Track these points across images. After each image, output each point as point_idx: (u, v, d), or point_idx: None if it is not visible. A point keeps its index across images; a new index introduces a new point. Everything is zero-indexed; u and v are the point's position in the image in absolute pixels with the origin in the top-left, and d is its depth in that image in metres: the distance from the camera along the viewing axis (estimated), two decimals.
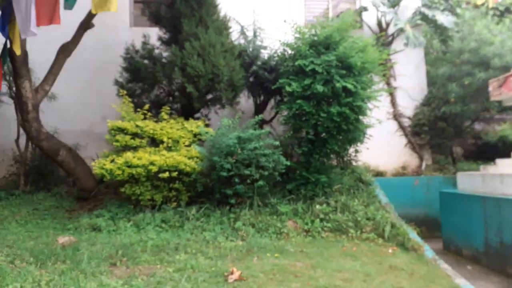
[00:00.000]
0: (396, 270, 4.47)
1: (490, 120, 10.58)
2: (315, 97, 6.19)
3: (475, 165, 8.92)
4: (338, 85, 5.90)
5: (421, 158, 9.25)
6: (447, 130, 8.81)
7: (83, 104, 8.80)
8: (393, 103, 9.34)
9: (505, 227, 5.57)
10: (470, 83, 7.78)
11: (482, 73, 7.58)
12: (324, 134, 6.49)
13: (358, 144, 7.55)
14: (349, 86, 5.89)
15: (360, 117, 6.66)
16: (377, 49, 7.04)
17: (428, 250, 5.08)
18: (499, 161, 6.73)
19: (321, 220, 5.95)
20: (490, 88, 6.81)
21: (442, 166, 8.97)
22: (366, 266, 4.57)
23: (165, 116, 6.87)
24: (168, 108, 7.05)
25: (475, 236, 6.31)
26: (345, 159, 8.01)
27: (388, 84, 9.34)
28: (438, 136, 9.02)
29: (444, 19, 8.46)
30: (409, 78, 9.37)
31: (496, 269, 5.77)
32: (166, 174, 5.96)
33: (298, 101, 6.18)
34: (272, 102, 8.30)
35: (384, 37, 8.98)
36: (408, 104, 9.41)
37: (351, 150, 7.69)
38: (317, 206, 6.14)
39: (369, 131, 8.71)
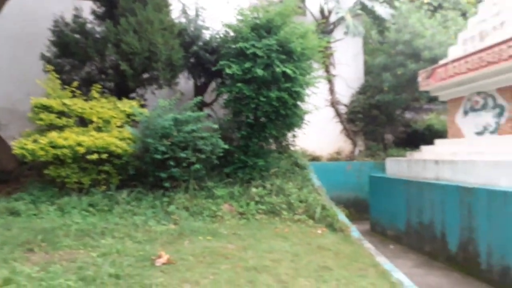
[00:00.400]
0: (323, 250, 4.65)
1: (419, 110, 11.31)
2: (255, 81, 6.17)
3: (403, 152, 9.52)
4: (278, 69, 5.92)
5: (354, 144, 9.69)
6: (379, 118, 9.29)
7: (5, 79, 8.03)
8: (331, 90, 9.64)
9: (424, 208, 6.02)
10: (403, 74, 8.22)
11: (414, 64, 8.02)
12: (263, 119, 6.51)
13: (296, 129, 7.71)
14: (289, 71, 5.93)
15: (299, 103, 6.77)
16: (318, 36, 7.15)
17: (354, 231, 5.34)
18: (423, 147, 7.22)
19: (257, 203, 6.02)
20: (420, 79, 7.23)
21: (373, 152, 9.46)
22: (296, 246, 4.70)
23: (96, 95, 6.47)
24: (100, 86, 6.64)
25: (399, 217, 6.75)
26: (283, 143, 8.16)
27: (328, 71, 9.60)
28: (372, 123, 9.48)
29: (382, 10, 8.81)
30: (348, 66, 9.71)
31: (415, 247, 6.24)
32: (95, 156, 5.66)
33: (239, 84, 6.13)
34: (213, 85, 8.18)
35: (325, 25, 9.17)
36: (345, 92, 9.76)
37: (289, 135, 7.84)
38: (253, 189, 6.20)
39: (307, 117, 8.90)
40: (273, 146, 7.89)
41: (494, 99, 5.91)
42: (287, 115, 6.44)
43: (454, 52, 6.63)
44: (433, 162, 6.19)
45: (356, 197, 8.89)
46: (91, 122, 6.11)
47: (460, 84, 6.34)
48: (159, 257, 4.02)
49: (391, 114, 9.30)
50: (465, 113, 6.53)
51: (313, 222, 5.61)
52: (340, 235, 5.24)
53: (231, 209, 6.02)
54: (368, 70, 9.73)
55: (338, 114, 9.65)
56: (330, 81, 9.60)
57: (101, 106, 6.32)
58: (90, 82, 6.87)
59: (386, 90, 8.65)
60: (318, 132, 9.62)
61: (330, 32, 9.42)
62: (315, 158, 9.31)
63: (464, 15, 9.89)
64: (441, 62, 6.66)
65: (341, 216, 5.79)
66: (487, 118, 6.01)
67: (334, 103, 9.63)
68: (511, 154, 4.94)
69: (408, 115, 10.90)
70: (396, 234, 6.89)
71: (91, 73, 7.32)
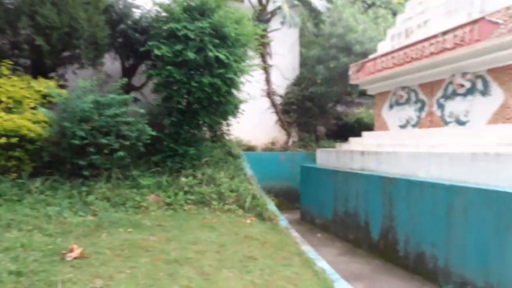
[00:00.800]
0: (250, 239, 4.58)
1: (350, 103, 11.77)
2: (186, 64, 5.89)
3: (334, 143, 9.81)
4: (210, 54, 5.69)
5: (288, 135, 9.80)
6: (313, 110, 9.47)
7: None
8: (267, 80, 9.61)
9: (350, 198, 6.22)
10: (335, 67, 8.42)
11: (346, 58, 8.24)
12: (195, 105, 6.26)
13: (231, 118, 7.57)
14: (222, 56, 5.74)
15: (233, 90, 6.62)
16: (254, 23, 7.03)
17: (283, 220, 5.36)
18: (351, 139, 7.46)
19: (186, 192, 5.80)
20: (350, 72, 7.44)
21: (306, 143, 9.64)
22: (223, 237, 4.58)
23: (6, 72, 5.76)
24: (11, 63, 5.92)
25: (326, 206, 6.93)
26: (218, 132, 7.99)
27: (264, 61, 9.55)
28: (305, 115, 9.64)
29: (318, 2, 8.92)
30: (284, 57, 9.74)
31: (341, 236, 6.44)
32: (3, 140, 5.05)
33: (169, 67, 5.80)
34: (144, 68, 7.73)
35: (262, 13, 9.08)
36: (281, 82, 9.81)
37: (224, 123, 7.68)
38: (183, 179, 5.96)
39: (242, 107, 8.78)
40: (207, 135, 7.70)
41: (416, 94, 6.24)
42: (220, 103, 6.27)
43: (382, 47, 6.89)
44: (359, 153, 6.41)
45: (288, 187, 9.00)
46: (0, 102, 5.44)
47: (387, 79, 6.60)
48: (71, 251, 3.67)
49: (323, 107, 9.53)
50: (391, 106, 6.83)
51: (243, 211, 5.53)
52: (269, 224, 5.21)
53: (157, 199, 5.73)
54: (304, 62, 9.85)
55: (273, 104, 9.67)
56: (266, 71, 9.57)
57: (12, 85, 5.65)
58: (0, 58, 6.11)
59: (319, 82, 8.82)
60: (254, 122, 9.59)
61: (267, 21, 9.35)
62: (250, 148, 9.27)
63: (394, 14, 10.38)
64: (371, 56, 6.88)
65: (271, 206, 5.78)
66: (410, 112, 6.34)
67: (270, 94, 9.63)
68: (429, 147, 5.24)
69: (340, 108, 11.28)
70: (324, 223, 7.08)
71: (2, 47, 6.52)
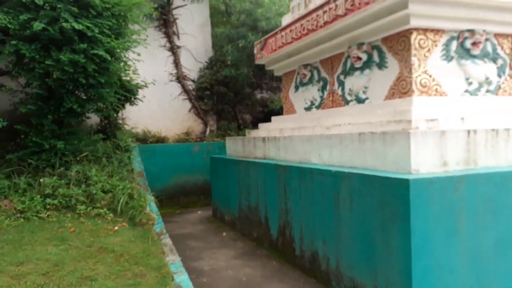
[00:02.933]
0: (104, 252, 3.69)
1: (276, 89, 11.10)
2: (39, 39, 4.81)
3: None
4: (66, 25, 4.64)
5: (205, 124, 8.94)
6: (228, 95, 8.65)
7: None
8: (177, 63, 8.66)
9: (251, 190, 5.50)
10: (244, 46, 7.63)
11: (254, 36, 7.48)
12: (60, 90, 5.19)
13: (126, 104, 6.62)
14: (81, 27, 4.69)
15: (111, 69, 5.57)
16: None
17: (158, 224, 4.51)
18: (261, 125, 6.75)
19: (47, 196, 4.77)
20: (255, 51, 6.69)
21: (225, 132, 8.83)
22: (69, 251, 3.65)
23: None
24: None
25: (233, 201, 6.19)
26: (111, 122, 6.97)
27: (171, 41, 8.58)
28: (221, 101, 8.82)
29: None
30: (194, 38, 8.82)
31: (245, 233, 5.73)
32: None
33: (14, 42, 4.68)
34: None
35: None
36: (193, 66, 8.89)
37: (115, 111, 6.68)
38: (46, 180, 4.91)
39: (150, 94, 7.87)
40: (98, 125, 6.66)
41: (318, 72, 5.60)
42: (91, 85, 5.24)
43: (285, 21, 6.17)
44: (261, 140, 5.69)
45: (205, 180, 8.17)
46: None
47: (289, 56, 5.91)
48: None
49: (239, 91, 8.72)
50: (296, 88, 6.16)
51: (114, 216, 4.60)
52: (139, 230, 4.34)
53: (10, 206, 4.66)
54: (215, 43, 8.98)
55: (185, 90, 8.74)
56: (175, 54, 8.61)
57: None
58: None
59: (229, 64, 8.00)
60: (164, 110, 8.65)
61: None
62: (160, 140, 8.30)
63: None
64: (273, 32, 6.15)
65: (151, 207, 4.91)
66: (313, 92, 5.69)
67: (180, 78, 8.69)
68: (324, 129, 4.60)
69: (265, 94, 10.57)
70: (231, 219, 6.33)
71: None
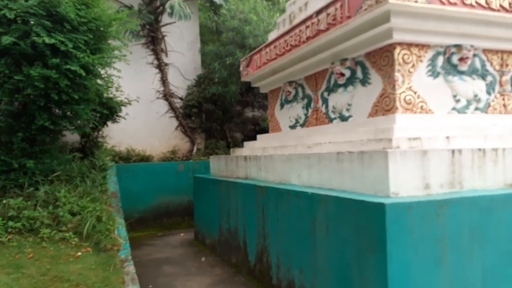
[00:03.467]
0: (58, 281, 3.37)
1: (268, 107, 10.91)
2: (9, 53, 4.62)
3: None
4: (37, 39, 4.46)
5: (192, 142, 8.70)
6: (216, 113, 8.44)
7: None
8: (164, 81, 8.48)
9: (231, 212, 5.20)
10: (232, 63, 7.46)
11: (241, 53, 7.32)
12: (31, 106, 4.97)
13: (108, 123, 6.43)
14: (53, 41, 4.51)
15: (88, 86, 5.35)
16: (121, 9, 5.92)
17: (124, 250, 4.19)
18: (246, 143, 6.51)
19: (10, 218, 4.47)
20: (241, 68, 6.52)
21: (212, 151, 8.58)
22: (19, 280, 3.34)
23: None
24: None
25: (214, 223, 5.87)
26: (91, 140, 6.74)
27: (158, 59, 8.43)
28: (209, 119, 8.60)
29: None
30: (183, 55, 8.67)
31: (225, 258, 5.40)
32: None
33: None
34: None
35: (153, 4, 8.00)
36: (181, 83, 8.70)
37: (94, 130, 6.45)
38: (11, 201, 4.63)
39: (135, 111, 7.73)
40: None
41: (303, 89, 5.38)
42: (65, 102, 5.02)
43: (271, 37, 6.01)
44: (243, 158, 5.43)
45: (189, 201, 7.86)
46: None
47: (274, 73, 5.71)
48: None
49: (228, 109, 8.51)
50: (282, 105, 5.95)
51: (79, 240, 4.28)
52: (103, 256, 4.01)
53: None
54: (204, 60, 8.83)
55: (172, 108, 8.53)
56: (162, 71, 8.44)
57: None
58: None
59: (216, 81, 7.82)
60: (149, 128, 8.43)
61: (157, 13, 8.25)
62: (144, 158, 8.05)
63: None
64: (258, 48, 5.99)
65: (120, 231, 4.59)
66: (298, 109, 5.47)
67: (167, 95, 8.49)
68: (305, 148, 4.34)
69: (257, 112, 10.38)
70: (212, 243, 6.00)
71: None
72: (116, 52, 5.73)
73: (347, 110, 4.46)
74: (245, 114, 9.59)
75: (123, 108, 7.19)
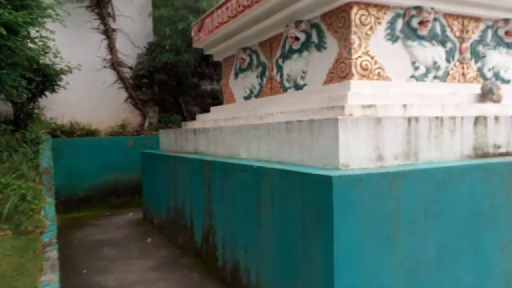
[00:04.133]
0: None
1: None
2: None
3: None
4: None
5: (144, 116, 8.12)
6: (169, 84, 7.86)
7: None
8: (111, 48, 7.77)
9: (178, 190, 4.81)
10: (185, 29, 6.88)
11: (195, 17, 6.74)
12: None
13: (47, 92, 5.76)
14: None
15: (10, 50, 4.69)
16: None
17: (50, 232, 3.71)
18: (199, 116, 6.07)
19: None
20: (192, 33, 5.98)
21: (165, 125, 8.05)
22: None
23: None
24: None
25: (161, 202, 5.47)
26: (25, 111, 6.05)
27: (105, 23, 7.69)
28: (162, 91, 8.02)
29: None
30: (133, 20, 7.96)
31: (172, 239, 5.03)
32: None
33: None
34: None
35: None
36: (131, 51, 8.02)
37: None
38: None
39: (79, 81, 7.04)
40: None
41: (257, 56, 4.97)
42: None
43: None
44: (192, 132, 5.00)
45: (140, 178, 7.33)
46: None
47: (227, 38, 5.24)
48: None
49: (182, 80, 7.95)
50: (236, 74, 5.52)
51: None
52: (23, 240, 3.52)
53: None
54: (155, 26, 8.16)
55: (121, 78, 7.87)
56: (109, 37, 7.72)
57: None
58: None
59: (167, 48, 7.23)
60: (96, 100, 7.75)
61: None
62: (89, 133, 7.41)
63: None
64: (210, 10, 5.47)
65: (47, 211, 4.08)
66: (252, 79, 5.07)
67: (115, 64, 7.81)
68: (256, 119, 3.98)
69: (216, 86, 9.86)
70: (160, 223, 5.61)
71: None
72: (51, 12, 5.05)
73: (302, 78, 4.11)
74: (203, 87, 9.06)
75: (63, 77, 6.51)
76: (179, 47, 7.20)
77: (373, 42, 3.52)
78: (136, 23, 7.98)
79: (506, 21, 4.08)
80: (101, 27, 7.71)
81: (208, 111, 9.60)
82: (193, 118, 9.09)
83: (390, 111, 2.95)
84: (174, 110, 8.46)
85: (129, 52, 7.96)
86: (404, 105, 3.05)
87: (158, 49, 7.63)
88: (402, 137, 2.69)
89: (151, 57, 7.68)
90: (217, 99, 9.93)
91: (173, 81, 7.82)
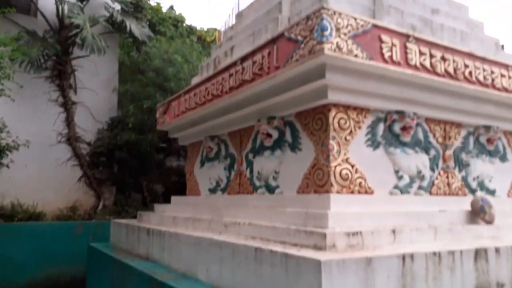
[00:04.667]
0: None
1: None
2: None
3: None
4: None
5: (98, 197, 7.33)
6: (130, 162, 7.23)
7: None
8: (69, 122, 7.18)
9: None
10: (150, 108, 6.47)
11: (162, 96, 6.40)
12: None
13: None
14: None
15: None
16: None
17: None
18: (157, 207, 5.39)
19: None
20: (157, 115, 5.56)
21: (122, 208, 7.26)
22: None
23: None
24: None
25: None
26: None
27: (65, 96, 7.18)
28: (122, 170, 7.36)
29: (138, 30, 7.06)
30: (96, 94, 7.51)
31: None
32: None
33: None
34: None
35: (62, 32, 6.89)
36: (91, 126, 7.46)
37: None
38: None
39: (28, 157, 6.34)
40: None
41: (226, 147, 4.54)
42: None
43: (194, 82, 5.17)
44: (145, 231, 4.32)
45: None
46: None
47: (194, 124, 4.82)
48: None
49: (145, 158, 7.36)
50: (202, 162, 5.03)
51: None
52: None
53: None
54: (123, 102, 7.74)
55: (77, 154, 7.19)
56: (68, 110, 7.18)
57: None
58: None
59: (131, 126, 6.75)
60: (45, 179, 6.98)
61: (68, 44, 7.11)
62: (33, 216, 6.50)
63: None
64: (177, 94, 5.10)
65: None
66: (220, 170, 4.57)
67: (72, 139, 7.17)
68: (224, 226, 3.40)
69: (182, 162, 9.30)
70: None
71: None
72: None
73: (274, 179, 3.64)
74: (169, 163, 8.48)
75: (8, 153, 5.81)
76: (143, 126, 6.73)
77: (353, 148, 3.16)
78: (99, 97, 7.53)
79: (487, 128, 3.90)
80: (61, 99, 7.18)
81: (173, 190, 8.97)
82: (155, 198, 8.39)
83: (378, 239, 2.48)
84: (133, 190, 7.73)
85: (89, 126, 7.39)
86: (393, 231, 2.59)
87: (121, 126, 7.12)
88: (396, 281, 2.17)
89: (112, 133, 7.13)
90: (183, 176, 9.30)
91: (135, 160, 7.22)
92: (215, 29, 11.97)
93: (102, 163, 7.13)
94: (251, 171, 3.99)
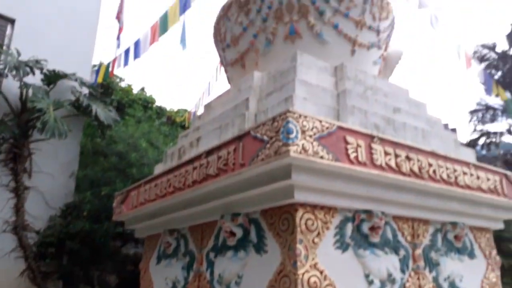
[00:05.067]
0: None
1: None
2: None
3: None
4: None
5: None
6: (82, 253, 6.56)
7: None
8: (18, 209, 6.61)
9: None
10: (109, 194, 6.10)
11: (122, 183, 6.09)
12: None
13: None
14: None
15: None
16: None
17: None
18: None
19: None
20: (114, 204, 5.20)
21: None
22: None
23: None
24: None
25: None
26: None
27: (17, 181, 6.70)
28: (73, 261, 6.65)
29: (103, 113, 6.97)
30: (53, 178, 7.08)
31: None
32: None
33: None
34: None
35: (22, 116, 6.66)
36: (43, 212, 6.88)
37: None
38: None
39: None
40: None
41: (186, 242, 4.21)
42: None
43: (157, 172, 4.98)
44: None
45: None
46: None
47: (153, 216, 4.51)
48: None
49: (99, 248, 6.74)
50: (159, 259, 4.61)
51: None
52: None
53: None
54: (81, 187, 7.31)
55: (22, 245, 6.50)
56: (18, 195, 6.65)
57: None
58: None
59: (85, 214, 6.28)
60: None
61: (28, 127, 6.85)
62: None
63: None
64: (137, 183, 4.85)
65: None
66: (177, 269, 4.17)
67: (19, 228, 6.53)
68: None
69: (140, 249, 8.63)
70: None
71: None
72: None
73: (237, 284, 3.32)
74: (125, 250, 7.81)
75: None
76: (99, 213, 6.28)
77: (321, 252, 2.96)
78: (56, 181, 7.08)
79: (453, 224, 3.85)
80: (12, 183, 6.69)
81: (128, 280, 8.16)
82: None
83: None
84: (84, 281, 6.93)
85: (41, 213, 6.81)
86: None
87: (76, 213, 6.60)
88: None
89: (65, 221, 6.57)
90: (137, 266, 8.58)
91: (87, 250, 6.58)
92: (185, 110, 12.20)
93: (50, 254, 6.44)
94: (212, 273, 3.65)
